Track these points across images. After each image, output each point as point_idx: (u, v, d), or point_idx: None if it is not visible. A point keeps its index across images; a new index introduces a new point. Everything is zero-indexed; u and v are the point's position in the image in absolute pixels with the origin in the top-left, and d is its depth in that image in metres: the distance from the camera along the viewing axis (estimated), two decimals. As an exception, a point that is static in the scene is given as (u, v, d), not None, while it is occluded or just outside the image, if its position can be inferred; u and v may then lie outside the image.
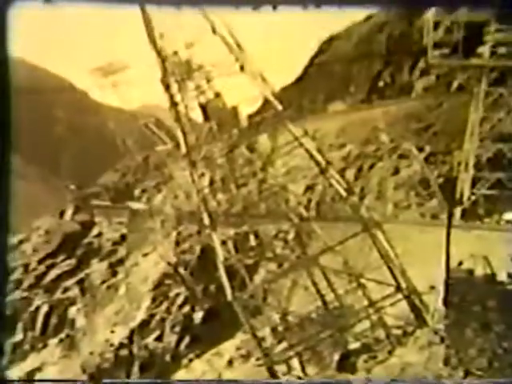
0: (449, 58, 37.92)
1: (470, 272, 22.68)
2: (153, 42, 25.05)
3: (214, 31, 24.72)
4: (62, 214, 54.06)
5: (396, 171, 44.08)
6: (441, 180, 41.47)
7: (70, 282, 45.47)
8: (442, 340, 22.00)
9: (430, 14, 37.77)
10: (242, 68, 24.98)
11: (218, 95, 26.12)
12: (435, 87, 55.73)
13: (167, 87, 25.53)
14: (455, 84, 53.38)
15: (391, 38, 65.58)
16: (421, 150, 44.29)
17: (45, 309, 44.37)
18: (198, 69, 25.47)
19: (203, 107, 25.97)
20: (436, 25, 37.49)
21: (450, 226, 22.81)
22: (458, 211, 37.08)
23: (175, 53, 25.38)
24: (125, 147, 56.47)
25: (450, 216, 26.90)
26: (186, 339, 37.10)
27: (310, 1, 9.46)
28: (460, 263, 23.56)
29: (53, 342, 42.55)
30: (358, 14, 71.79)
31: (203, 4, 19.80)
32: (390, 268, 24.78)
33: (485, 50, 37.54)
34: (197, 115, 26.33)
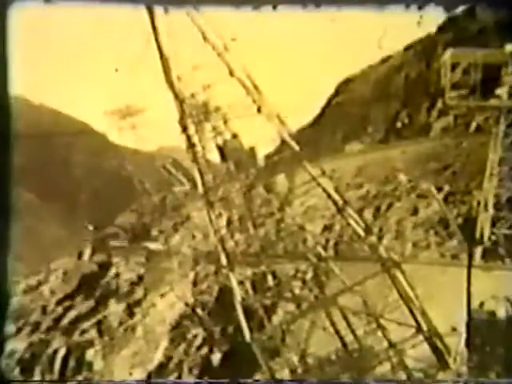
0: (467, 99, 37.98)
1: (492, 314, 22.28)
2: (170, 84, 25.28)
3: (231, 73, 24.94)
4: (79, 254, 54.22)
5: (415, 211, 43.87)
6: (460, 220, 41.19)
7: (87, 324, 45.34)
8: (465, 383, 21.54)
9: (447, 56, 38.02)
10: (259, 109, 25.10)
11: (235, 136, 26.20)
12: (453, 128, 55.81)
13: (184, 129, 25.66)
14: (473, 125, 53.43)
15: (408, 80, 66.02)
16: (440, 189, 44.13)
17: (62, 352, 44.17)
18: (215, 110, 25.62)
19: (220, 148, 26.05)
20: (453, 66, 37.67)
21: (470, 266, 22.50)
22: (478, 251, 36.68)
23: (192, 95, 25.57)
24: (142, 188, 56.81)
25: (470, 256, 26.56)
26: (204, 382, 36.74)
27: (309, 1, 9.56)
28: (481, 304, 23.17)
29: (71, 385, 42.29)
30: (374, 56, 72.51)
31: (203, 4, 20.03)
32: (410, 309, 24.41)
33: (503, 91, 37.59)
34: (214, 156, 26.41)
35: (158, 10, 23.55)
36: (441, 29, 66.42)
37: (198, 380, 36.03)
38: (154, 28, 24.04)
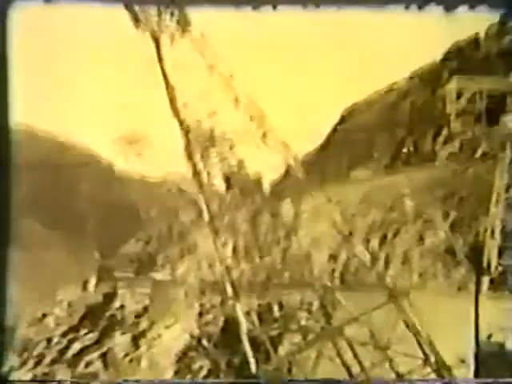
0: (472, 126, 38.03)
1: (501, 346, 21.94)
2: (176, 111, 25.27)
3: (236, 101, 24.96)
4: (85, 285, 53.87)
5: (421, 239, 43.56)
6: (467, 247, 40.84)
7: (92, 356, 44.88)
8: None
9: (453, 84, 38.11)
10: (264, 135, 25.07)
11: (240, 162, 26.14)
12: (459, 154, 55.66)
13: (190, 155, 25.60)
14: (479, 151, 53.30)
15: (414, 107, 66.02)
16: (446, 216, 43.87)
17: (68, 384, 43.62)
18: (220, 136, 25.59)
19: (226, 175, 25.97)
20: (459, 94, 37.73)
21: (477, 296, 22.26)
22: (485, 280, 36.30)
23: (198, 122, 25.55)
24: (148, 216, 56.66)
25: (478, 286, 26.30)
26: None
27: (309, 1, 9.58)
28: (490, 336, 22.84)
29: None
30: (379, 83, 72.62)
31: (204, 4, 20.08)
32: (417, 339, 24.05)
33: (508, 118, 37.59)
34: (219, 183, 26.30)
35: (164, 40, 23.76)
36: (445, 56, 66.70)
37: (200, 380, 35.54)
38: (160, 56, 24.16)
